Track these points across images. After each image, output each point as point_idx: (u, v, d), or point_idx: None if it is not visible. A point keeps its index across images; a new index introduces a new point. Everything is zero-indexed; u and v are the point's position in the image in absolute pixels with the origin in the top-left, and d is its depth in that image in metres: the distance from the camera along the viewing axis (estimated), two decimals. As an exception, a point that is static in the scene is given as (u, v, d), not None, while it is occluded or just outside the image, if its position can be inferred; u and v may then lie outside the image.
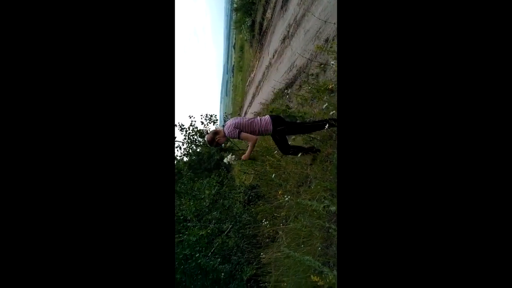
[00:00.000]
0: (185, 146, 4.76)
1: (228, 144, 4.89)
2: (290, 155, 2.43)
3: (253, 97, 10.90)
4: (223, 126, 2.30)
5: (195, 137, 4.70)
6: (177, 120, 5.64)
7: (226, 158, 2.58)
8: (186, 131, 4.51)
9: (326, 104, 1.91)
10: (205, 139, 2.36)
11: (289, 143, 2.41)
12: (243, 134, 2.16)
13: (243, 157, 2.23)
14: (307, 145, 2.57)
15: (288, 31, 5.44)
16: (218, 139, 2.20)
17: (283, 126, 2.19)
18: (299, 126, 2.23)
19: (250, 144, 2.19)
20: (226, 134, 2.18)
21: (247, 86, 14.75)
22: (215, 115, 5.04)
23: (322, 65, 3.02)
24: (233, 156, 2.55)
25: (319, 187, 2.21)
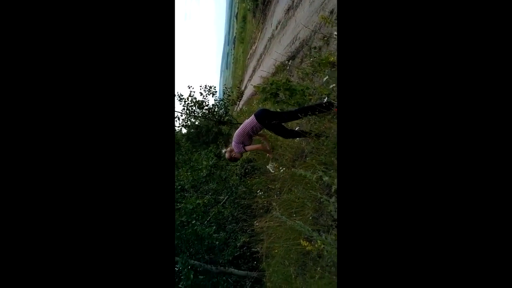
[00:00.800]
0: (183, 117, 4.74)
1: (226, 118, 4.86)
2: (291, 138, 2.55)
3: (254, 71, 10.65)
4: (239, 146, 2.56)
5: (194, 108, 4.65)
6: (176, 90, 5.55)
7: (269, 167, 2.87)
8: (185, 101, 4.45)
9: (327, 77, 1.88)
10: (226, 158, 2.58)
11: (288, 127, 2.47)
12: (248, 148, 2.45)
13: (268, 155, 2.54)
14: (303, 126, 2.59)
15: (293, 2, 5.18)
16: (235, 155, 2.49)
17: (271, 119, 2.30)
18: (289, 115, 2.32)
19: (261, 148, 2.51)
20: (237, 151, 2.44)
21: (248, 59, 14.33)
22: (214, 87, 4.95)
23: (326, 38, 2.93)
24: (273, 163, 2.78)
25: (314, 161, 2.25)
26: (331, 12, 3.00)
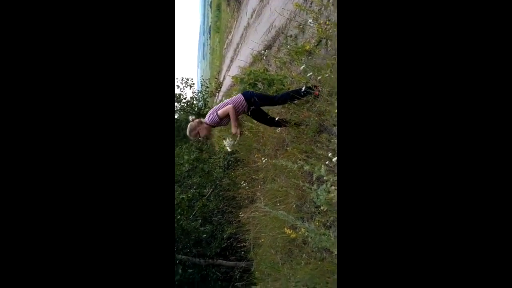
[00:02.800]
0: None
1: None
2: (274, 126, 2.45)
3: (232, 61, 10.47)
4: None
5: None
6: (151, 85, 5.37)
7: (225, 143, 2.55)
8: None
9: (303, 66, 1.89)
10: (188, 127, 2.21)
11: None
12: (220, 111, 2.15)
13: (232, 131, 2.20)
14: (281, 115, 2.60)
15: (267, -13, 5.09)
16: (200, 129, 2.19)
17: (255, 102, 2.22)
18: (271, 100, 2.26)
19: (230, 115, 2.18)
20: (208, 121, 2.18)
21: (225, 49, 14.04)
22: (192, 79, 4.83)
23: (301, 26, 2.92)
24: (230, 139, 2.51)
25: (295, 150, 2.28)
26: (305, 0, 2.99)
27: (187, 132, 2.24)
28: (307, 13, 2.85)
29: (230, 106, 2.14)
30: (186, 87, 4.67)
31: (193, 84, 4.83)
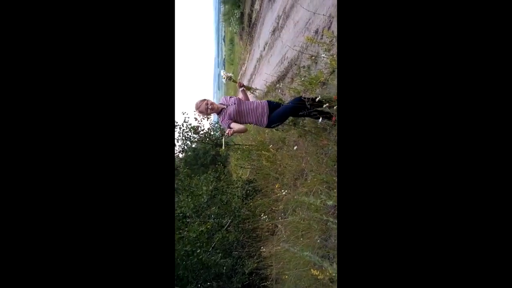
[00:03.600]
0: (179, 143, 4.74)
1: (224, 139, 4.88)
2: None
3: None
4: (223, 104, 2.19)
5: (189, 133, 4.67)
6: (170, 118, 5.61)
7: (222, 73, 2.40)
8: (180, 128, 4.48)
9: (319, 97, 1.92)
10: (196, 104, 2.15)
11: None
12: (236, 127, 2.08)
13: (227, 132, 2.07)
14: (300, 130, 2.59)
15: (278, 23, 5.38)
16: (211, 111, 2.14)
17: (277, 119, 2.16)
18: (291, 110, 2.14)
19: (244, 131, 2.19)
20: (221, 122, 2.16)
21: (239, 79, 14.58)
22: (209, 111, 5.00)
23: (313, 57, 3.02)
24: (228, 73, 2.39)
25: (315, 179, 2.24)
26: (316, 32, 3.11)
27: (195, 107, 2.20)
28: (318, 44, 2.96)
29: (244, 129, 2.15)
30: (203, 119, 4.83)
31: (210, 115, 4.99)
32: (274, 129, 2.82)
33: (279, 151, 3.26)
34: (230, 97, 2.28)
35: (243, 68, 12.88)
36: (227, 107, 2.15)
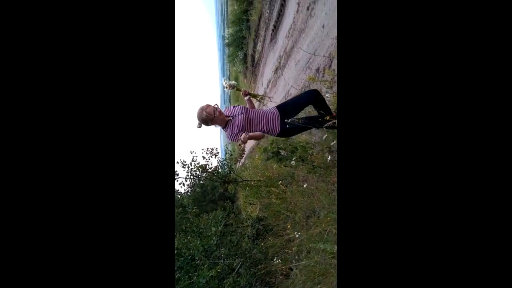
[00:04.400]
0: (188, 182, 4.72)
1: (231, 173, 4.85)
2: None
3: (252, 125, 10.98)
4: (229, 116, 1.93)
5: (198, 172, 4.67)
6: (179, 157, 5.66)
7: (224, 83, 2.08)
8: (188, 167, 4.49)
9: (326, 135, 1.92)
10: (199, 112, 1.87)
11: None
12: (242, 137, 1.83)
13: (242, 137, 1.81)
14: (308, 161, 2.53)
15: (280, 62, 5.65)
16: (213, 120, 1.86)
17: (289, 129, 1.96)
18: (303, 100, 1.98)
19: (260, 138, 1.95)
20: (228, 136, 1.91)
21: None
22: (216, 148, 5.05)
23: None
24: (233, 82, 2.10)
25: (328, 218, 2.15)
26: (317, 70, 3.24)
27: (197, 114, 1.90)
28: (320, 82, 3.05)
29: (260, 135, 1.93)
30: (211, 157, 4.86)
31: (218, 153, 5.03)
32: (289, 139, 2.63)
33: (288, 187, 3.20)
34: (234, 106, 2.03)
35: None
36: (233, 118, 1.92)
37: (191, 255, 3.65)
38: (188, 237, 3.87)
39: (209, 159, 4.83)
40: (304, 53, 3.93)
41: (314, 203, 2.47)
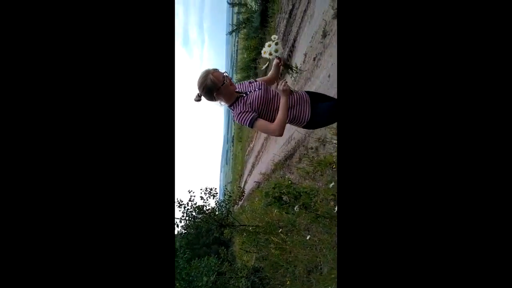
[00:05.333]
0: (182, 223, 4.47)
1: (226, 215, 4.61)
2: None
3: (253, 166, 10.95)
4: (241, 93, 1.41)
5: (194, 213, 4.45)
6: (176, 197, 5.48)
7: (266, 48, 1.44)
8: (184, 207, 4.30)
9: (333, 184, 1.83)
10: (206, 78, 1.33)
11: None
12: (260, 124, 1.32)
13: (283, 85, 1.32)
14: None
15: (284, 107, 5.80)
16: (223, 90, 1.32)
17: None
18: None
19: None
20: (236, 116, 1.36)
21: (247, 155, 15.04)
22: (215, 188, 4.91)
23: (321, 139, 3.08)
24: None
25: (332, 276, 1.94)
26: (322, 117, 3.27)
27: (200, 80, 1.33)
28: (325, 128, 3.06)
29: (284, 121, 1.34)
30: (209, 197, 4.69)
31: (216, 193, 4.87)
32: (293, 183, 2.33)
33: (289, 236, 2.98)
34: (250, 82, 1.47)
35: (251, 145, 13.41)
36: (246, 95, 1.39)
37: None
38: (177, 285, 3.52)
39: (207, 199, 4.66)
40: (309, 100, 4.04)
41: (317, 256, 2.26)
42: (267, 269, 3.38)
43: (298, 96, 1.44)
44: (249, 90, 1.42)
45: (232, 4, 10.74)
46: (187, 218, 4.33)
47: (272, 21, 7.78)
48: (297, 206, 2.27)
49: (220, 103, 1.40)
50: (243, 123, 1.35)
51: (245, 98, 1.38)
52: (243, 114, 1.35)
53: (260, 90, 1.40)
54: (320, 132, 3.23)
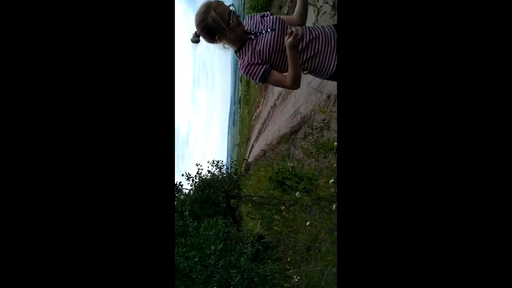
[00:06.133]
0: (191, 194, 4.73)
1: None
2: None
3: (260, 133, 11.01)
4: (250, 33, 1.11)
5: (200, 184, 4.67)
6: (184, 170, 5.65)
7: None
8: (192, 180, 4.50)
9: (332, 180, 1.88)
10: (207, 15, 1.02)
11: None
12: (272, 79, 1.08)
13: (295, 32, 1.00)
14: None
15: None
16: (229, 31, 1.04)
17: None
18: None
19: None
20: (243, 67, 1.09)
21: (253, 120, 14.99)
22: (222, 161, 5.06)
23: (326, 121, 3.05)
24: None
25: (329, 258, 2.10)
26: (328, 97, 3.19)
27: (199, 16, 1.04)
28: (331, 111, 3.01)
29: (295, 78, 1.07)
30: (216, 169, 4.87)
31: (223, 165, 5.03)
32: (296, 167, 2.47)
33: (291, 211, 3.15)
34: (262, 15, 1.13)
35: (258, 111, 13.29)
36: (254, 36, 1.08)
37: (189, 266, 3.63)
38: (187, 242, 3.83)
39: (214, 172, 4.84)
40: (316, 74, 3.89)
41: (316, 237, 2.42)
42: (270, 238, 3.64)
43: (323, 40, 1.08)
44: (259, 30, 1.09)
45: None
46: (195, 190, 4.55)
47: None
48: (298, 191, 2.36)
49: (223, 45, 1.10)
50: (252, 78, 1.09)
51: (254, 42, 1.07)
52: (252, 67, 1.07)
53: (274, 32, 1.06)
54: (327, 113, 3.18)
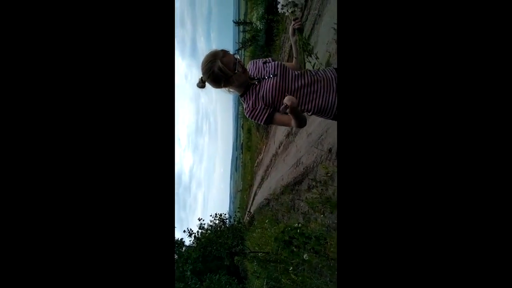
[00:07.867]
0: (193, 252, 4.49)
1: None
2: None
3: (262, 180, 10.92)
4: (253, 79, 1.16)
5: (203, 240, 4.47)
6: (186, 218, 5.50)
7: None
8: (194, 236, 4.32)
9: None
10: (213, 64, 1.07)
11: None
12: (277, 121, 1.12)
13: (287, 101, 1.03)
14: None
15: (292, 128, 5.79)
16: (234, 79, 1.09)
17: None
18: None
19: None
20: (248, 112, 1.13)
21: (256, 166, 15.01)
22: (225, 214, 4.93)
23: (330, 174, 3.04)
24: None
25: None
26: (330, 151, 3.24)
27: (205, 65, 1.08)
28: (333, 163, 3.03)
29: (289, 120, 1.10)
30: (219, 222, 4.71)
31: (226, 218, 4.88)
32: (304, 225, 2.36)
33: (299, 274, 2.93)
34: (264, 62, 1.19)
35: (260, 157, 13.39)
36: (258, 82, 1.14)
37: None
38: None
39: (217, 225, 4.67)
40: (316, 127, 4.02)
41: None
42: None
43: (325, 80, 1.12)
44: (262, 75, 1.15)
45: (237, 23, 10.87)
46: (196, 245, 4.34)
47: (277, 40, 7.83)
48: (306, 254, 2.23)
49: (228, 90, 1.16)
50: (258, 121, 1.14)
51: (258, 87, 1.13)
52: (257, 112, 1.12)
53: (276, 78, 1.12)
54: (329, 165, 3.19)
